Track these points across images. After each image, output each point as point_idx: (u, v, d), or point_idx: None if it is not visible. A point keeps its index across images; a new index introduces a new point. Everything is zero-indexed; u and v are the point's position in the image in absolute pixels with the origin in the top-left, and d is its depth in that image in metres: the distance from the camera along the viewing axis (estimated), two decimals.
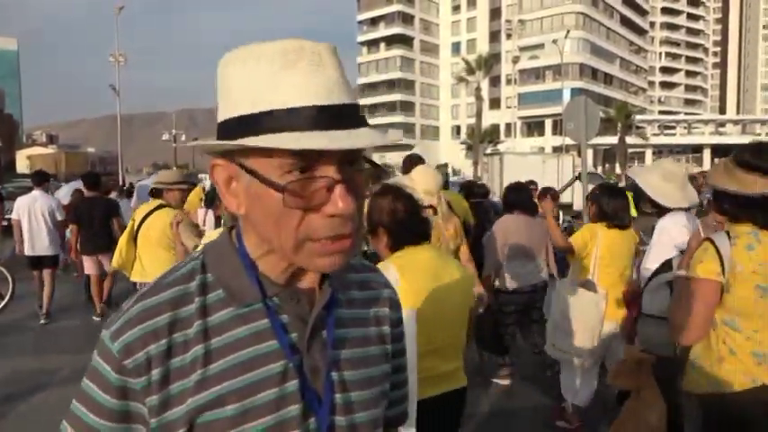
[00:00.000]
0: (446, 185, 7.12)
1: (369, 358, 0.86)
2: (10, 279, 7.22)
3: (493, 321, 4.37)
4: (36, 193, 6.93)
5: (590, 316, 3.50)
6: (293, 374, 0.77)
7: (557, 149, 40.93)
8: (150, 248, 4.64)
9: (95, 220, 6.65)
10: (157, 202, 4.78)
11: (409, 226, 2.12)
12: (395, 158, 56.69)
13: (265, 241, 0.76)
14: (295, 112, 0.68)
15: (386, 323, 0.92)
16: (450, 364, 2.13)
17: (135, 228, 4.72)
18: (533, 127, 67.35)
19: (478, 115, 50.45)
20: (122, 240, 4.77)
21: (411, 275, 2.01)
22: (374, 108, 75.62)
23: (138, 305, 0.76)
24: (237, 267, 0.79)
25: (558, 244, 3.88)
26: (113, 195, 9.29)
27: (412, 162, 4.96)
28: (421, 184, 3.39)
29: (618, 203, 3.68)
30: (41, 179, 7.10)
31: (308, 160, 0.69)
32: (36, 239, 6.79)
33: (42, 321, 6.66)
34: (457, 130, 75.19)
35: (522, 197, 4.57)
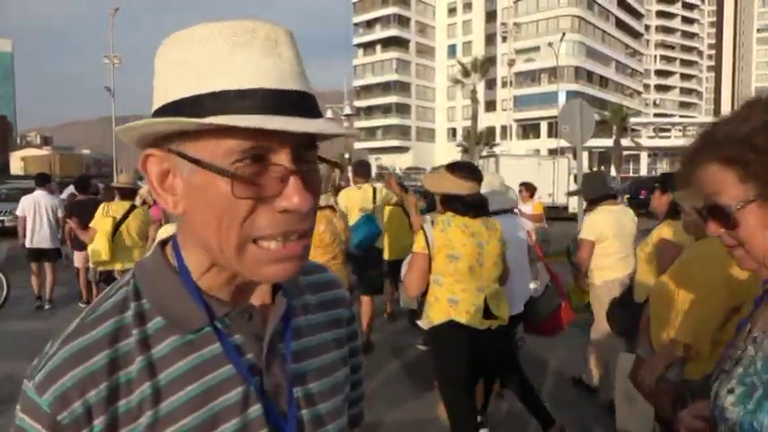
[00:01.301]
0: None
1: (330, 365, 0.81)
2: (5, 282, 7.34)
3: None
4: (39, 192, 7.58)
5: None
6: (255, 398, 0.70)
7: (552, 152, 41.00)
8: (130, 243, 5.29)
9: (87, 220, 7.00)
10: (130, 203, 5.40)
11: None
12: (391, 161, 56.71)
13: (205, 247, 0.68)
14: (247, 93, 0.62)
15: (342, 324, 0.87)
16: None
17: (114, 226, 5.23)
18: (529, 129, 67.52)
19: (474, 118, 50.54)
20: (105, 239, 5.16)
21: None
22: (370, 110, 75.70)
23: (67, 347, 0.66)
24: (178, 289, 0.70)
25: (414, 225, 4.86)
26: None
27: (361, 166, 6.16)
28: None
29: None
30: (44, 180, 7.85)
31: (260, 148, 0.62)
32: (39, 234, 7.40)
33: (47, 306, 7.39)
34: (453, 132, 75.31)
35: None
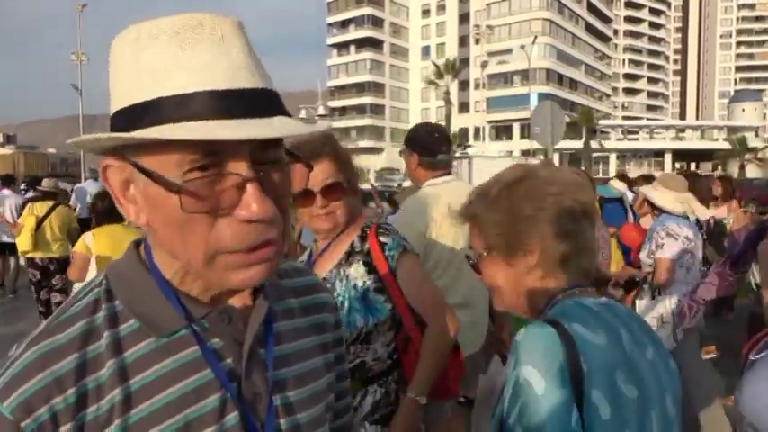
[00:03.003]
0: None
1: (312, 372, 0.77)
2: None
3: None
4: (5, 191, 8.28)
5: None
6: (232, 406, 0.67)
7: (524, 153, 41.54)
8: (51, 237, 6.10)
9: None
10: (53, 202, 6.35)
11: (107, 212, 3.87)
12: (364, 161, 56.66)
13: (173, 256, 0.65)
14: (192, 98, 0.58)
15: (326, 330, 0.83)
16: None
17: (38, 221, 6.04)
18: (501, 131, 68.26)
19: (447, 119, 50.86)
20: (28, 233, 5.97)
21: (99, 239, 3.91)
22: (343, 111, 75.56)
23: (32, 350, 0.63)
24: (152, 290, 0.67)
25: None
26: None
27: None
28: None
29: None
30: (9, 181, 8.77)
31: (213, 156, 0.58)
32: (4, 229, 8.01)
33: (10, 296, 8.07)
34: None
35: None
